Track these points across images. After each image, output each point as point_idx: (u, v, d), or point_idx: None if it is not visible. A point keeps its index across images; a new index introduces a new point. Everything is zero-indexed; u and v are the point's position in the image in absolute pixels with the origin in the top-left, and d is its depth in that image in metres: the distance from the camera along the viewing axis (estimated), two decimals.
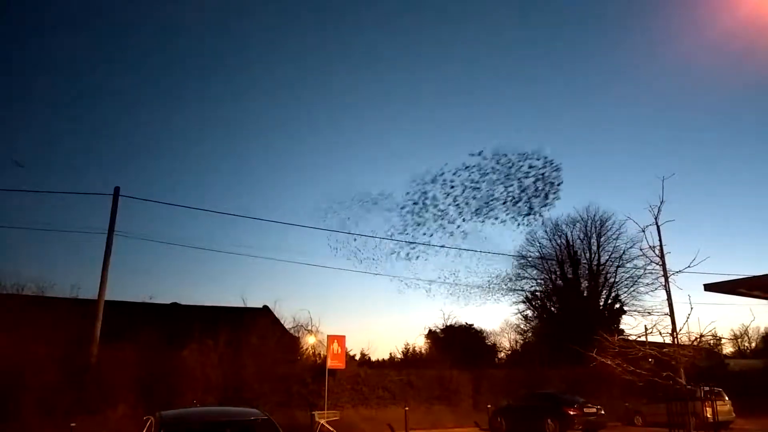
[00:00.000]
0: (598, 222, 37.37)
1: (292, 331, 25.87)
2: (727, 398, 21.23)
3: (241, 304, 26.55)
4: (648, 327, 10.17)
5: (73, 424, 14.70)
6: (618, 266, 36.47)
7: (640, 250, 9.72)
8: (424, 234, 38.68)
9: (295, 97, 71.32)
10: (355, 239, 34.31)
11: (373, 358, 32.38)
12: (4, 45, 76.85)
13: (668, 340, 9.06)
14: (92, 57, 73.94)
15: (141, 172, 64.46)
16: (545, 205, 35.46)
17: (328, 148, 68.08)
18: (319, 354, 23.97)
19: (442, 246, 37.14)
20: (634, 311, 35.75)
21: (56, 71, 73.19)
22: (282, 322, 26.11)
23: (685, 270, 9.12)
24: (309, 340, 25.33)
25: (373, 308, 65.09)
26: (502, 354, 39.91)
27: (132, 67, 71.97)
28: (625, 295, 36.39)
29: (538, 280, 38.65)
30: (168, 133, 70.57)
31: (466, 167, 36.74)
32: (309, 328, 25.30)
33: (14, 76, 72.55)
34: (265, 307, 29.03)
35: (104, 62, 71.73)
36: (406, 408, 21.43)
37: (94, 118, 69.72)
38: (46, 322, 17.82)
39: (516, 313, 39.32)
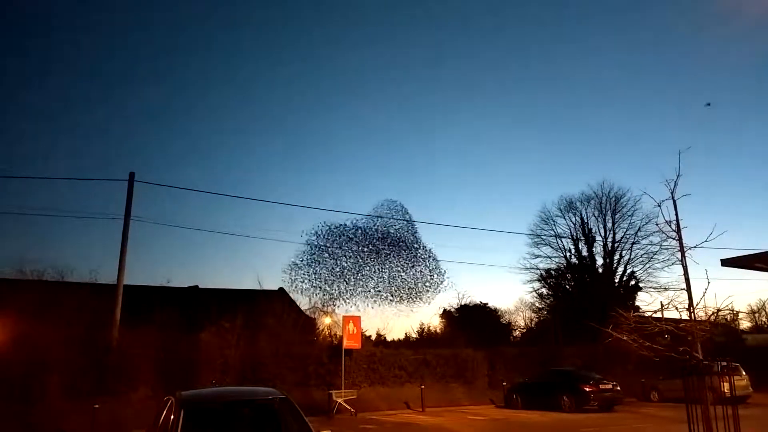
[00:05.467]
0: (613, 198, 37.03)
1: (308, 313, 26.14)
2: (744, 373, 21.15)
3: (257, 287, 26.82)
4: (664, 303, 10.10)
5: (96, 406, 15.04)
6: (633, 243, 36.17)
7: (656, 225, 9.58)
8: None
9: (323, 77, 71.09)
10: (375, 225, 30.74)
11: (389, 339, 32.60)
12: (21, 33, 77.22)
13: (685, 315, 8.99)
14: (109, 43, 74.12)
15: (158, 158, 64.85)
16: None
17: (348, 135, 67.92)
18: (335, 334, 24.24)
19: (461, 227, 36.70)
20: (650, 288, 35.57)
21: (73, 59, 73.51)
22: (298, 304, 26.36)
23: (701, 245, 8.98)
24: (325, 321, 25.59)
25: None
26: (517, 332, 39.96)
27: (150, 52, 72.08)
28: (641, 271, 36.20)
29: (553, 258, 38.49)
30: (185, 117, 70.79)
31: None
32: (324, 309, 25.52)
33: (31, 64, 73.02)
34: (281, 290, 29.29)
35: (121, 48, 71.90)
36: (422, 386, 21.67)
37: (112, 104, 70.09)
38: (67, 307, 18.15)
39: (530, 292, 39.25)
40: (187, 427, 5.65)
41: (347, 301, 29.07)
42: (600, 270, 37.05)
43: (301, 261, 29.02)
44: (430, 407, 21.24)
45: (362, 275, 29.54)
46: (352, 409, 19.36)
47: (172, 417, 5.86)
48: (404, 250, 30.32)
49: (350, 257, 29.75)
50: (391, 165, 66.99)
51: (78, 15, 76.85)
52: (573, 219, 38.02)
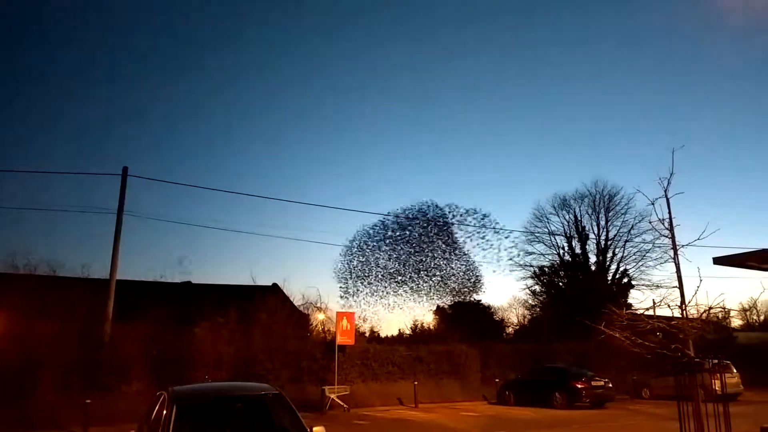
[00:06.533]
0: (607, 197, 37.20)
1: (301, 309, 26.10)
2: (735, 370, 21.31)
3: (250, 283, 26.76)
4: (656, 300, 10.15)
5: (88, 401, 15.01)
6: (626, 240, 36.42)
7: (650, 223, 9.63)
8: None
9: (314, 72, 70.92)
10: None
11: (383, 335, 32.71)
12: (13, 26, 76.63)
13: (677, 313, 9.03)
14: (102, 37, 73.68)
15: (152, 153, 64.60)
16: None
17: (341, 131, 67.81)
18: (329, 330, 24.21)
19: (454, 223, 36.97)
20: (643, 285, 35.81)
21: (66, 52, 73.05)
22: (291, 300, 26.33)
23: (694, 243, 9.03)
24: (318, 317, 25.57)
25: None
26: (510, 329, 40.10)
27: (143, 47, 71.69)
28: (634, 269, 36.44)
29: (546, 255, 38.66)
30: (177, 112, 70.53)
31: None
32: (318, 305, 25.51)
33: (24, 57, 72.51)
34: (275, 285, 29.24)
35: (114, 41, 71.46)
36: (415, 382, 21.73)
37: (105, 99, 69.73)
38: (60, 301, 18.10)
39: (524, 289, 39.43)
40: (179, 422, 5.66)
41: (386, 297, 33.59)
42: (593, 267, 37.26)
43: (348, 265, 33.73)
44: (423, 403, 21.30)
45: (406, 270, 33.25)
46: (345, 405, 19.39)
47: (164, 412, 5.86)
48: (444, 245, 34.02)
49: (393, 256, 34.01)
50: (387, 160, 66.92)
51: (72, 10, 76.34)
52: (567, 216, 38.23)
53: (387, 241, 35.19)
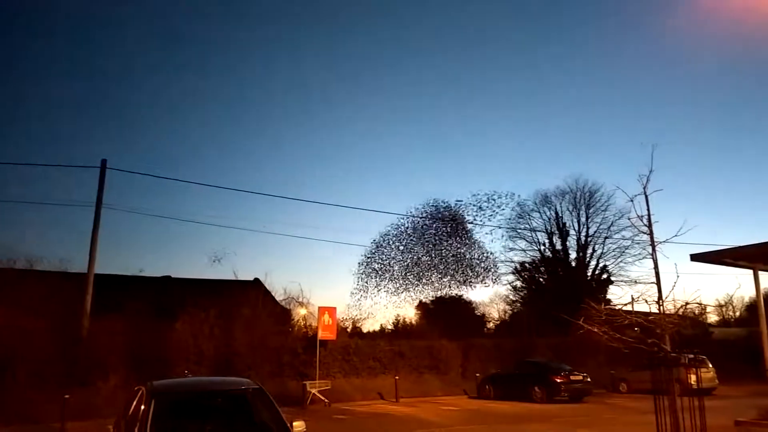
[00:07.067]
0: (587, 194, 37.57)
1: (283, 304, 26.01)
2: (710, 365, 21.70)
3: (232, 277, 26.61)
4: (634, 296, 10.30)
5: (66, 396, 14.84)
6: (606, 237, 36.88)
7: (629, 219, 9.78)
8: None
9: (291, 68, 70.49)
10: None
11: (365, 330, 32.76)
12: None
13: (654, 308, 9.19)
14: (79, 28, 72.49)
15: (131, 146, 63.71)
16: None
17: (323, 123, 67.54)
18: (311, 325, 24.16)
19: (434, 221, 37.15)
20: (621, 281, 36.30)
21: (42, 43, 71.74)
22: (273, 295, 26.23)
23: (671, 239, 9.20)
24: (300, 312, 25.51)
25: None
26: (491, 324, 40.38)
27: (120, 39, 70.64)
28: (613, 265, 36.91)
29: (528, 251, 38.98)
30: (157, 106, 69.68)
31: None
32: (300, 300, 25.44)
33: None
34: (256, 280, 29.12)
35: (91, 33, 70.35)
36: (397, 377, 21.82)
37: (83, 91, 68.65)
38: (37, 295, 17.84)
39: (505, 284, 39.71)
40: (157, 418, 5.61)
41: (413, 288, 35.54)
42: (573, 263, 37.66)
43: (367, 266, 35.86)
44: (404, 398, 21.38)
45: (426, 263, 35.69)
46: (326, 400, 19.40)
47: (142, 407, 5.80)
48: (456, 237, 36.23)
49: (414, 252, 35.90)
50: (380, 156, 66.85)
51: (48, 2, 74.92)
52: (548, 213, 38.56)
53: (404, 241, 37.09)
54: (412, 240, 36.80)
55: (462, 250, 36.60)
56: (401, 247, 36.76)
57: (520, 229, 38.69)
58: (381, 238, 36.70)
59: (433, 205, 37.15)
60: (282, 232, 78.16)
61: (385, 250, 36.88)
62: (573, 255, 37.91)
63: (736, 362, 25.25)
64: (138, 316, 19.07)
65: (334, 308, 21.80)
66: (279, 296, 26.13)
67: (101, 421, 12.45)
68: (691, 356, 9.97)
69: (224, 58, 71.70)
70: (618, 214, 34.76)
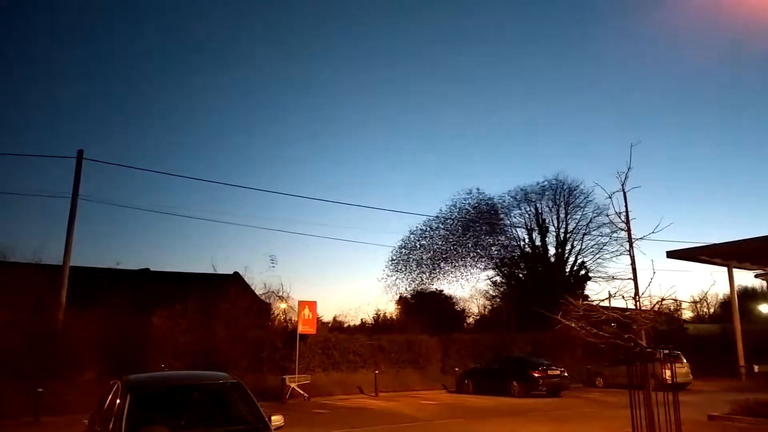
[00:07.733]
0: (567, 190, 37.87)
1: (263, 298, 25.87)
2: (685, 361, 22.07)
3: (211, 271, 26.39)
4: (612, 292, 10.43)
5: (39, 389, 14.61)
6: (585, 234, 37.30)
7: (607, 216, 9.90)
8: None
9: (265, 60, 69.91)
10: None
11: (345, 324, 32.74)
12: None
13: (631, 304, 9.31)
14: (60, 20, 71.08)
15: (109, 137, 62.79)
16: None
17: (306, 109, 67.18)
18: (291, 319, 24.06)
19: (415, 213, 37.48)
20: (599, 277, 36.81)
21: (22, 35, 70.19)
22: (253, 289, 26.07)
23: (648, 236, 9.31)
24: (280, 306, 25.38)
25: (345, 274, 65.40)
26: (471, 319, 40.57)
27: (98, 31, 69.42)
28: (591, 261, 37.39)
29: (507, 247, 39.21)
30: (137, 97, 68.68)
31: None
32: (280, 294, 25.32)
33: None
34: (236, 274, 28.93)
35: (71, 25, 69.01)
36: (376, 372, 21.86)
37: (62, 81, 67.37)
38: (10, 287, 17.48)
39: (485, 279, 39.93)
40: (133, 412, 5.51)
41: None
42: (552, 259, 37.98)
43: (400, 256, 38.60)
44: (383, 392, 21.43)
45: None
46: (305, 394, 19.35)
47: (118, 401, 5.71)
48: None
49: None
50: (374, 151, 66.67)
51: None
52: (528, 209, 38.82)
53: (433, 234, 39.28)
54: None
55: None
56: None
57: (499, 224, 38.94)
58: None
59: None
60: (264, 226, 77.53)
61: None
62: (552, 251, 38.28)
63: (710, 358, 25.76)
64: (114, 310, 18.80)
65: (315, 302, 21.72)
66: (259, 290, 26.01)
67: (76, 416, 12.23)
68: (666, 352, 10.14)
69: (223, 48, 70.90)
70: (597, 211, 35.27)
